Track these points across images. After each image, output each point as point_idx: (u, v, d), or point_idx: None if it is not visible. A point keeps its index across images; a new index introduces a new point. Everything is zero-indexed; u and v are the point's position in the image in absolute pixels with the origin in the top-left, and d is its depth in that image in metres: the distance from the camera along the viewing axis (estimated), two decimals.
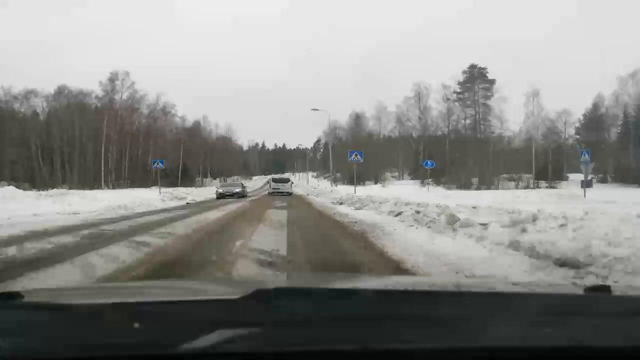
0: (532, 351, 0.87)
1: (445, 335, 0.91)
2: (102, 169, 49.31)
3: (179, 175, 57.04)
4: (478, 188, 39.48)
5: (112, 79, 54.37)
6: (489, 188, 29.51)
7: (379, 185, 46.95)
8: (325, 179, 74.73)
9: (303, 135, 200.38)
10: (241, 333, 0.85)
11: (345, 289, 1.57)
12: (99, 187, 43.14)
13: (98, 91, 53.85)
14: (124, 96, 55.02)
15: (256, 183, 73.62)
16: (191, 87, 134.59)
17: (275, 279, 3.13)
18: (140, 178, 49.09)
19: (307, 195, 31.04)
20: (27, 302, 1.15)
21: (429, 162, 32.23)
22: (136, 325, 0.90)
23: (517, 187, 44.57)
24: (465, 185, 46.42)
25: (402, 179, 61.87)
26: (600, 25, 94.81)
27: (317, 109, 45.31)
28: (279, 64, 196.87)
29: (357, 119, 68.72)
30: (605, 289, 1.24)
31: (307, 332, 0.91)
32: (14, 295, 1.12)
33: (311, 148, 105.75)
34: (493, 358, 0.85)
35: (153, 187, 32.99)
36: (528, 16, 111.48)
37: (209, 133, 76.55)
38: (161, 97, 59.97)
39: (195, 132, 69.25)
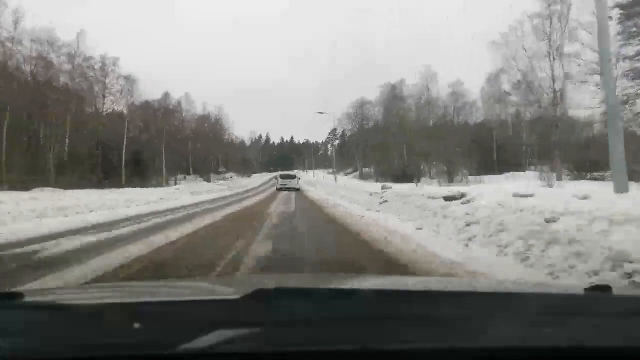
0: (532, 351, 0.87)
1: (445, 335, 0.90)
2: None
3: (123, 168, 35.73)
4: None
5: None
6: None
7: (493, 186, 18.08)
8: (347, 175, 59.52)
9: (308, 132, 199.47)
10: (241, 333, 0.85)
11: (345, 289, 1.56)
12: None
13: None
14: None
15: (253, 181, 58.67)
16: (191, 87, 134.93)
17: (276, 279, 3.13)
18: (43, 171, 28.87)
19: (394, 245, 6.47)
20: (27, 302, 1.15)
21: None
22: (136, 325, 0.90)
23: None
24: None
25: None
26: None
27: None
28: (279, 64, 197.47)
29: (393, 89, 49.81)
30: (606, 288, 1.24)
31: (307, 332, 0.91)
32: (14, 295, 1.12)
33: (322, 142, 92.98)
34: (493, 358, 0.85)
35: (44, 189, 20.65)
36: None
37: (193, 116, 56.90)
38: (83, 37, 34.65)
39: (169, 112, 47.98)
